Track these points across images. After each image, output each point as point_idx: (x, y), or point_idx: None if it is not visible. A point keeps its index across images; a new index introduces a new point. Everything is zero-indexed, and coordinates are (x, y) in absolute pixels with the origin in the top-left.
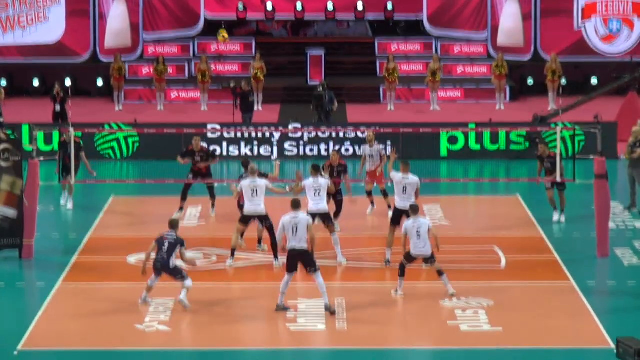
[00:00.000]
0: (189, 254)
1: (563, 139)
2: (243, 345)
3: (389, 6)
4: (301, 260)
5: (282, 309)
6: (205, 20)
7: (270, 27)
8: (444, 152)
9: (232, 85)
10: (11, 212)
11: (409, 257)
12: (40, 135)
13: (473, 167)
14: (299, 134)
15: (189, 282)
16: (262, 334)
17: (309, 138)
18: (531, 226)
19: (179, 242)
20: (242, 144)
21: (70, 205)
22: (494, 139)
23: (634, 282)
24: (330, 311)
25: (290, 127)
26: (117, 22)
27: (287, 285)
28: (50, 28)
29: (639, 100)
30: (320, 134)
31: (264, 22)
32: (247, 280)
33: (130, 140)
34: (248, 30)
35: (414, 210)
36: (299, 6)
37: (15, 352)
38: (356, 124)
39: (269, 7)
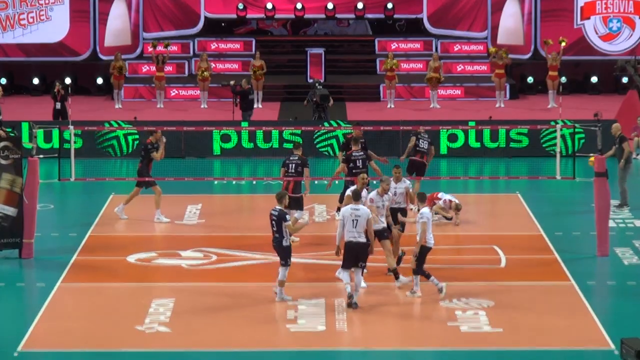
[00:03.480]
0: (189, 252)
1: (563, 137)
2: (243, 347)
3: (389, 5)
4: (358, 253)
5: (355, 304)
6: (205, 19)
7: (270, 26)
8: (443, 150)
9: (232, 83)
10: (11, 210)
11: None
12: (40, 133)
13: (473, 165)
14: (298, 132)
15: (282, 275)
16: (262, 335)
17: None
18: (531, 224)
19: (283, 217)
20: (242, 142)
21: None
22: (494, 137)
23: (634, 281)
24: (353, 307)
25: (290, 125)
26: (117, 21)
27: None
28: (53, 28)
29: (638, 99)
30: (319, 132)
31: (264, 20)
32: (248, 281)
33: (130, 138)
34: (248, 29)
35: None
36: (298, 5)
37: (15, 354)
38: (356, 122)
39: (269, 6)
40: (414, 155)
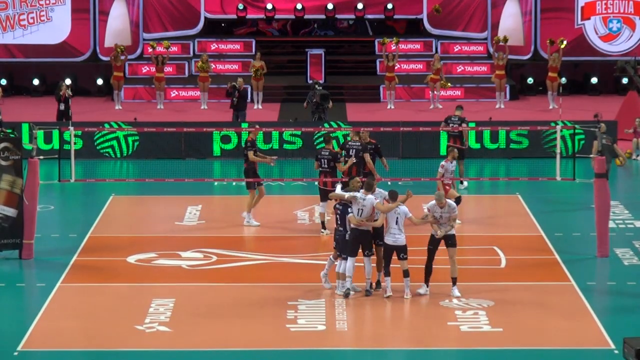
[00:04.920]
0: (189, 253)
1: (563, 138)
2: (243, 346)
3: (389, 6)
4: (362, 242)
5: (351, 291)
6: (206, 19)
7: (270, 27)
8: (443, 150)
9: (236, 85)
10: (11, 211)
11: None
12: (40, 134)
13: (473, 166)
14: (298, 133)
15: (340, 267)
16: (262, 335)
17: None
18: (531, 225)
19: (345, 210)
20: (243, 143)
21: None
22: (494, 138)
23: (634, 282)
24: (367, 294)
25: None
26: (117, 22)
27: (353, 268)
28: (54, 29)
29: (638, 99)
30: (319, 133)
31: (264, 21)
32: (247, 281)
33: (130, 139)
34: (248, 29)
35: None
36: (298, 6)
37: (15, 353)
38: (356, 122)
39: (269, 6)
40: (449, 141)
